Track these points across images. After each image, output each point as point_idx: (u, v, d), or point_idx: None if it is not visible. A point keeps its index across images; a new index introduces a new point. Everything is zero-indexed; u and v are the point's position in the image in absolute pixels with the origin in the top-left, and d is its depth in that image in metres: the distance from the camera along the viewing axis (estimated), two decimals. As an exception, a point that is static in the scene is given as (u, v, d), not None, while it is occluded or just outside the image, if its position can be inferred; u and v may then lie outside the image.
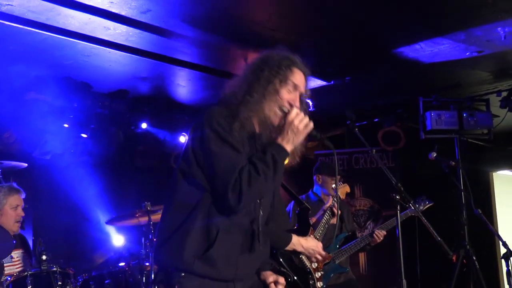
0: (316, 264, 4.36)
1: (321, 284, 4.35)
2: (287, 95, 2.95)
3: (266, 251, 3.14)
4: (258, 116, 2.92)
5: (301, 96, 3.04)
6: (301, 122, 2.89)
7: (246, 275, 3.01)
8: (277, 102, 2.92)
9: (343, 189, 5.69)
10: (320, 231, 5.00)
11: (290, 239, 4.03)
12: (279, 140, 2.88)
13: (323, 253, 4.21)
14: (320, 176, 5.98)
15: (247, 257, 2.95)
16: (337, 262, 5.69)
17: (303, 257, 4.25)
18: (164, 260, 2.91)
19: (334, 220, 5.05)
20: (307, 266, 4.29)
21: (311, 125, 2.93)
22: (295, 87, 3.00)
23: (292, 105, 2.94)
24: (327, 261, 4.60)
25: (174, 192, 2.94)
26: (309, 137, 2.99)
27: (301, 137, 2.92)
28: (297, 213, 4.42)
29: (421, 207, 5.80)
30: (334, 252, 5.68)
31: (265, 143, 2.94)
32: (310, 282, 4.21)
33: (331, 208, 5.32)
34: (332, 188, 5.62)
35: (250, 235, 2.95)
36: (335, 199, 5.07)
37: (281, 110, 2.92)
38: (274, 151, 2.85)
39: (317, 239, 4.52)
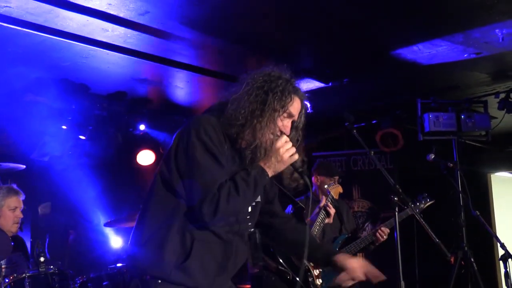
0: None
1: (321, 282, 4.33)
2: (281, 122, 2.97)
3: (243, 260, 3.13)
4: (250, 136, 2.90)
5: (293, 123, 3.05)
6: (286, 151, 2.90)
7: (221, 284, 3.00)
8: (271, 128, 2.92)
9: (336, 190, 5.63)
10: (316, 231, 4.97)
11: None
12: (262, 164, 2.89)
13: None
14: (318, 177, 5.98)
15: (224, 267, 2.95)
16: None
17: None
18: (140, 267, 2.88)
19: (329, 220, 5.04)
20: (305, 264, 4.24)
21: (296, 156, 2.94)
22: (290, 115, 3.01)
23: (282, 132, 2.95)
24: None
25: (153, 196, 2.93)
26: (292, 167, 3.00)
27: (283, 166, 2.93)
28: (291, 213, 4.43)
29: (422, 205, 5.77)
30: None
31: (246, 159, 2.93)
32: (309, 280, 4.21)
33: (325, 207, 5.32)
34: (325, 188, 5.60)
35: (229, 245, 2.95)
36: (328, 198, 5.05)
37: (273, 135, 2.92)
38: (256, 174, 2.85)
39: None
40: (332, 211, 4.87)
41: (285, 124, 3.00)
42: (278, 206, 3.41)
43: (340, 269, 3.20)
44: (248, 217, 3.04)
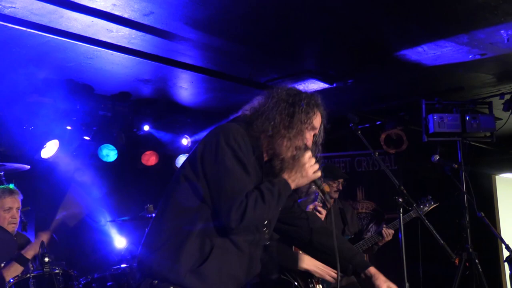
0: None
1: (320, 287, 4.33)
2: (306, 136, 3.02)
3: (257, 271, 3.12)
4: (275, 149, 2.96)
5: (314, 136, 3.10)
6: (311, 168, 2.94)
7: None
8: (299, 140, 2.96)
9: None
10: None
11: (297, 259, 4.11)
12: (286, 176, 2.92)
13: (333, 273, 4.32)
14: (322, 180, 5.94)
15: (239, 276, 2.94)
16: None
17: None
18: (152, 270, 2.84)
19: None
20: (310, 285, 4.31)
21: (319, 173, 2.99)
22: (313, 128, 3.06)
23: (307, 146, 2.99)
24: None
25: (173, 196, 2.91)
26: (314, 183, 3.04)
27: (306, 182, 2.97)
28: None
29: (426, 208, 5.75)
30: None
31: (270, 172, 2.98)
32: (310, 286, 4.21)
33: (315, 208, 5.28)
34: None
35: (247, 256, 2.95)
36: (319, 198, 5.00)
37: (297, 149, 2.95)
38: (281, 186, 2.87)
39: None
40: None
41: (308, 137, 3.04)
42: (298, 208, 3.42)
43: (366, 283, 3.21)
44: (266, 229, 3.04)
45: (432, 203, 5.79)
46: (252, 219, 2.76)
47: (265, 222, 2.96)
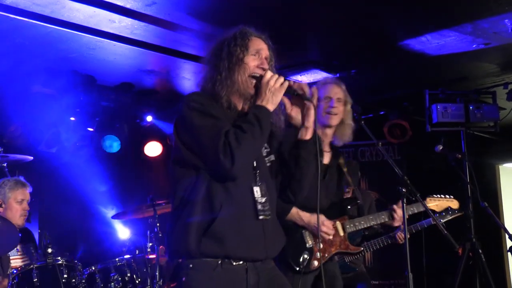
0: (322, 245, 4.21)
1: (317, 264, 4.18)
2: (253, 62, 3.01)
3: (278, 240, 3.10)
4: (234, 90, 2.96)
5: (267, 60, 3.09)
6: (277, 82, 2.93)
7: (257, 253, 2.94)
8: (246, 71, 2.97)
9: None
10: (356, 224, 4.63)
11: (288, 209, 4.03)
12: (258, 102, 2.91)
13: (330, 234, 4.17)
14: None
15: (256, 240, 2.92)
16: (347, 260, 5.61)
17: (307, 232, 4.17)
18: (173, 250, 2.89)
19: (392, 223, 4.72)
20: (306, 241, 4.15)
21: (287, 83, 2.97)
22: (258, 52, 3.06)
23: (264, 68, 3.00)
24: (347, 250, 4.33)
25: (175, 186, 2.94)
26: (288, 94, 3.04)
27: (279, 96, 2.94)
28: (340, 202, 4.43)
29: (449, 216, 5.55)
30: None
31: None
32: (304, 256, 4.09)
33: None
34: None
35: (252, 206, 2.92)
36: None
37: (253, 77, 2.97)
38: (255, 110, 2.87)
39: (342, 227, 4.34)
40: (399, 214, 4.58)
41: (259, 62, 3.03)
42: None
43: None
44: (256, 170, 2.99)
45: (456, 212, 5.57)
46: (241, 152, 2.75)
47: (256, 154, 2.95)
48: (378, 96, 8.16)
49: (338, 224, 4.31)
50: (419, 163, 8.47)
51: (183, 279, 2.80)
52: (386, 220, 4.55)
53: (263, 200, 2.95)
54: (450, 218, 5.43)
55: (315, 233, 4.13)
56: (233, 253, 2.83)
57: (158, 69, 6.90)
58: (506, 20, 5.48)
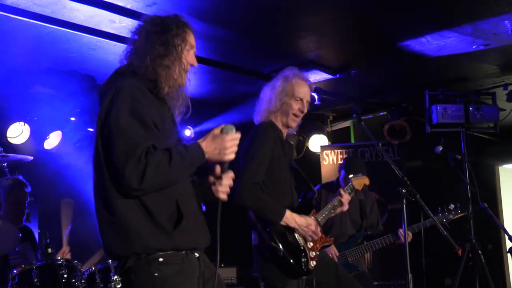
0: (311, 244, 4.22)
1: (314, 264, 4.23)
2: (188, 56, 3.01)
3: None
4: (169, 80, 2.93)
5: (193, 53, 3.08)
6: (231, 149, 2.83)
7: (207, 242, 2.96)
8: (182, 65, 2.97)
9: (360, 180, 5.09)
10: (324, 215, 4.67)
11: (283, 212, 4.03)
12: (203, 145, 2.79)
13: (318, 232, 4.19)
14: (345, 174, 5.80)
15: (201, 219, 2.95)
16: (349, 260, 5.62)
17: (297, 235, 4.15)
18: (130, 246, 2.73)
19: (342, 209, 4.75)
20: (300, 243, 4.15)
21: (233, 156, 2.87)
22: (192, 47, 3.05)
23: (194, 65, 3.04)
24: (327, 243, 4.40)
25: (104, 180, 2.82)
26: (221, 166, 2.94)
27: (220, 159, 2.84)
28: (301, 194, 4.39)
29: (451, 216, 5.55)
30: (349, 251, 5.60)
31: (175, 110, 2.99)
32: (302, 260, 4.12)
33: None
34: (349, 178, 5.32)
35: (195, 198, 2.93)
36: (348, 187, 4.83)
37: (185, 71, 2.98)
38: (194, 153, 2.77)
39: (319, 221, 4.38)
40: (345, 198, 4.59)
41: (190, 57, 3.03)
42: None
43: None
44: None
45: (459, 212, 5.57)
46: (153, 181, 2.62)
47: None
48: (378, 97, 8.17)
49: (313, 219, 4.29)
50: (419, 163, 8.47)
51: (155, 274, 2.71)
52: (336, 204, 4.53)
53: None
54: (453, 218, 5.44)
55: (304, 234, 4.14)
56: (197, 244, 2.86)
57: (158, 69, 6.90)
58: (506, 21, 5.48)
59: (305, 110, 4.27)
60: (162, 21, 3.00)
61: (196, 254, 2.88)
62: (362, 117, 4.27)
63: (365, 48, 6.31)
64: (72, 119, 7.27)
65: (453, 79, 7.35)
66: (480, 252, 6.10)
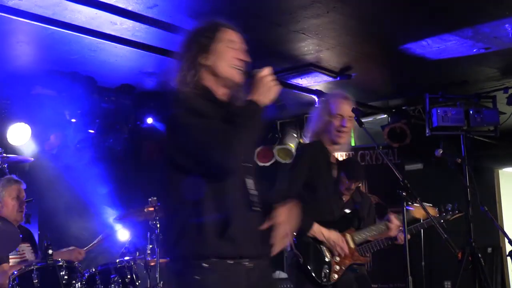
0: (338, 258, 4.40)
1: (337, 277, 4.37)
2: (230, 52, 2.97)
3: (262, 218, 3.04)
4: (217, 82, 2.94)
5: (243, 51, 3.05)
6: (272, 80, 2.88)
7: (258, 250, 2.92)
8: (226, 62, 2.94)
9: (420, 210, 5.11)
10: (363, 235, 4.63)
11: (311, 225, 4.25)
12: (253, 96, 2.84)
13: (345, 248, 4.39)
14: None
15: (254, 225, 2.90)
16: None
17: (325, 247, 4.36)
18: (181, 252, 2.81)
19: (389, 234, 4.85)
20: (326, 256, 4.35)
21: (279, 87, 2.91)
22: (233, 42, 3.01)
23: (242, 59, 2.97)
24: (359, 261, 4.57)
25: (170, 188, 2.89)
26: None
27: (273, 94, 2.87)
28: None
29: (449, 216, 5.55)
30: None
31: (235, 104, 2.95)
32: (324, 271, 4.28)
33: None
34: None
35: (247, 199, 2.88)
36: (398, 215, 4.91)
37: (233, 68, 2.93)
38: (250, 107, 2.82)
39: (354, 240, 4.54)
40: (394, 224, 4.74)
41: (236, 53, 2.99)
42: None
43: None
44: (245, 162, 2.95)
45: (457, 212, 5.57)
46: (236, 148, 2.71)
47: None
48: (379, 100, 8.17)
49: (348, 236, 4.51)
50: (419, 167, 8.48)
51: (197, 277, 2.75)
52: (384, 229, 4.70)
53: (255, 192, 2.92)
54: (451, 218, 5.43)
55: (332, 248, 4.36)
56: (245, 252, 2.83)
57: (159, 71, 6.91)
58: (507, 25, 5.49)
59: (349, 125, 4.44)
60: (192, 33, 3.07)
61: (246, 264, 2.85)
62: (363, 120, 4.28)
63: (366, 51, 6.32)
64: (73, 120, 7.28)
65: (453, 82, 7.36)
66: (480, 255, 6.10)
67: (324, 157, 4.49)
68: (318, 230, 4.30)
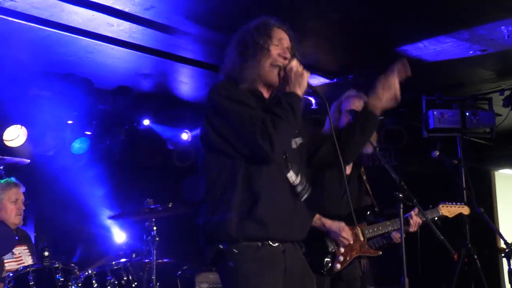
0: (343, 250, 4.42)
1: (339, 267, 4.38)
2: (276, 50, 3.07)
3: (307, 221, 3.19)
4: (258, 78, 3.03)
5: (288, 49, 3.16)
6: (300, 66, 3.05)
7: (293, 234, 3.02)
8: (269, 59, 3.03)
9: (455, 209, 5.27)
10: (375, 229, 4.65)
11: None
12: (287, 89, 2.99)
13: (349, 239, 4.39)
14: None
15: (291, 220, 2.97)
16: None
17: (329, 238, 4.39)
18: (211, 236, 2.90)
19: (407, 229, 4.87)
20: (329, 246, 4.37)
21: (308, 74, 3.08)
22: (280, 41, 3.12)
23: (285, 57, 3.07)
24: (366, 254, 4.59)
25: (209, 174, 2.97)
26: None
27: (305, 80, 3.04)
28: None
29: (440, 213, 5.52)
30: None
31: (273, 99, 3.07)
32: (326, 260, 4.31)
33: None
34: None
35: (289, 189, 2.98)
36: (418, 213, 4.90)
37: (275, 65, 3.04)
38: (286, 98, 2.94)
39: (364, 233, 4.56)
40: (414, 220, 4.72)
41: (281, 51, 3.10)
42: None
43: None
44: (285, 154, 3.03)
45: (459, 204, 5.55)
46: (279, 137, 2.81)
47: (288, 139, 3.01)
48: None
49: (358, 230, 4.54)
50: (415, 168, 8.48)
51: (231, 264, 2.83)
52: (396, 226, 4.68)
53: (298, 180, 3.02)
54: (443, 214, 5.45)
55: (335, 239, 4.38)
56: (273, 235, 2.89)
57: (155, 72, 6.91)
58: (503, 27, 5.50)
59: None
60: (244, 29, 3.21)
61: (277, 245, 2.92)
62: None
63: (362, 53, 6.32)
64: (70, 122, 7.27)
65: (449, 84, 7.37)
66: (476, 257, 6.11)
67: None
68: (319, 222, 4.32)
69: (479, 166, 9.02)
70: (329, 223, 4.36)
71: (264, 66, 3.01)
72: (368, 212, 4.71)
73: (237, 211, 2.82)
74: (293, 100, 2.94)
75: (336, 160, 3.05)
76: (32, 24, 5.12)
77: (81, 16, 5.15)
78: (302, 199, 3.02)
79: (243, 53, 3.06)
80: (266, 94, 3.09)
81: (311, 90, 3.15)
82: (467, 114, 7.04)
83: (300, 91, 2.99)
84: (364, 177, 5.08)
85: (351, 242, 4.42)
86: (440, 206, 5.16)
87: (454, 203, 5.31)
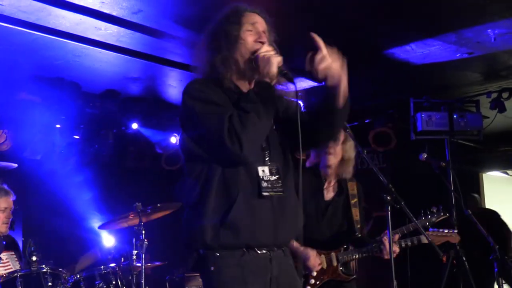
0: (315, 273, 4.51)
1: (336, 263, 4.51)
2: (250, 37, 2.89)
3: (292, 218, 2.95)
4: (235, 70, 2.86)
5: (264, 33, 2.96)
6: (267, 52, 2.82)
7: (280, 239, 2.86)
8: (245, 47, 2.86)
9: (443, 237, 5.29)
10: (348, 256, 4.69)
11: None
12: (258, 77, 2.84)
13: (315, 266, 4.48)
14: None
15: (272, 216, 2.80)
16: None
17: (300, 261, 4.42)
18: (190, 243, 2.80)
19: (381, 255, 4.89)
20: (303, 269, 4.44)
21: (279, 57, 2.87)
22: (254, 25, 2.93)
23: (262, 42, 2.88)
24: (337, 278, 4.65)
25: (188, 179, 2.85)
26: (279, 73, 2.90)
27: (273, 67, 2.81)
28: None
29: (434, 219, 5.53)
30: None
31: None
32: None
33: None
34: None
35: (257, 186, 2.79)
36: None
37: (254, 52, 2.85)
38: (255, 88, 2.81)
39: (338, 258, 4.64)
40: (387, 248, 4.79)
41: (256, 37, 2.90)
42: None
43: None
44: (266, 151, 2.89)
45: (442, 214, 5.56)
46: (248, 135, 2.64)
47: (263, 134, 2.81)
48: (363, 104, 8.19)
49: (333, 255, 4.61)
50: (404, 171, 8.51)
51: (212, 268, 2.72)
52: (376, 251, 4.72)
53: (273, 178, 2.82)
54: (436, 220, 5.43)
55: (304, 264, 4.45)
56: (251, 241, 2.75)
57: (144, 76, 6.90)
58: (489, 30, 5.53)
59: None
60: (213, 21, 3.01)
61: (264, 253, 2.79)
62: (348, 124, 4.29)
63: (350, 56, 6.32)
64: (57, 126, 7.25)
65: (437, 87, 7.40)
66: (464, 259, 6.13)
67: (317, 180, 4.67)
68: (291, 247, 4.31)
69: (467, 168, 9.06)
70: (297, 249, 4.32)
71: (240, 56, 2.84)
72: (347, 238, 4.76)
73: (211, 218, 2.70)
74: (262, 90, 2.77)
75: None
76: (19, 28, 5.10)
77: (68, 20, 5.14)
78: (263, 194, 2.77)
79: (215, 46, 2.87)
80: (246, 87, 2.90)
81: (282, 74, 2.91)
82: (455, 116, 7.08)
83: (269, 77, 2.80)
84: (354, 201, 5.13)
85: (317, 269, 4.50)
86: (429, 233, 5.19)
87: (443, 230, 5.32)
